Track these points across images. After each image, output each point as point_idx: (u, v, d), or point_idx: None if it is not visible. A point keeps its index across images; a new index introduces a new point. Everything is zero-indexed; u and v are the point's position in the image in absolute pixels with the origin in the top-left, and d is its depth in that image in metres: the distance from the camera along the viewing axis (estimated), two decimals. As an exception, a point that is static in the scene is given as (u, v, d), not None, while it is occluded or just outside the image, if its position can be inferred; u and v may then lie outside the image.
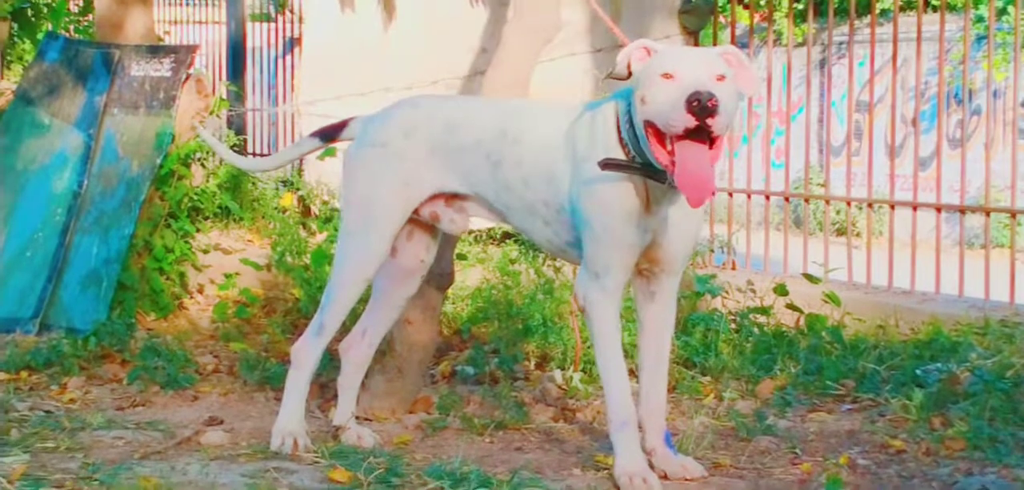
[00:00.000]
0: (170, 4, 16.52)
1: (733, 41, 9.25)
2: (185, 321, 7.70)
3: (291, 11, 14.67)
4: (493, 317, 6.99)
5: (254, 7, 15.22)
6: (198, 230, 8.39)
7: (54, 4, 11.91)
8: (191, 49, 8.34)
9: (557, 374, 6.33)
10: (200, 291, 8.19)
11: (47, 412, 5.66)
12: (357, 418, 5.57)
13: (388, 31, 8.60)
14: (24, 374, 6.36)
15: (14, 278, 7.60)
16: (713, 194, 4.45)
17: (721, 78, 4.34)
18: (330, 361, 6.27)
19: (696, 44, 8.48)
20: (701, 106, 4.22)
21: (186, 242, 8.00)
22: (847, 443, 5.26)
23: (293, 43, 14.51)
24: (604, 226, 4.61)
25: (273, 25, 15.33)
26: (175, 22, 16.36)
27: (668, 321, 4.95)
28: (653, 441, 4.83)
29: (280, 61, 15.47)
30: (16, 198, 7.93)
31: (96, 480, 4.49)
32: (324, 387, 6.07)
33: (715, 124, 4.24)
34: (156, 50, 8.23)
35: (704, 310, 6.96)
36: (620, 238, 4.62)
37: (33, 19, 11.39)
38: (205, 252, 8.35)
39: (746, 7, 11.52)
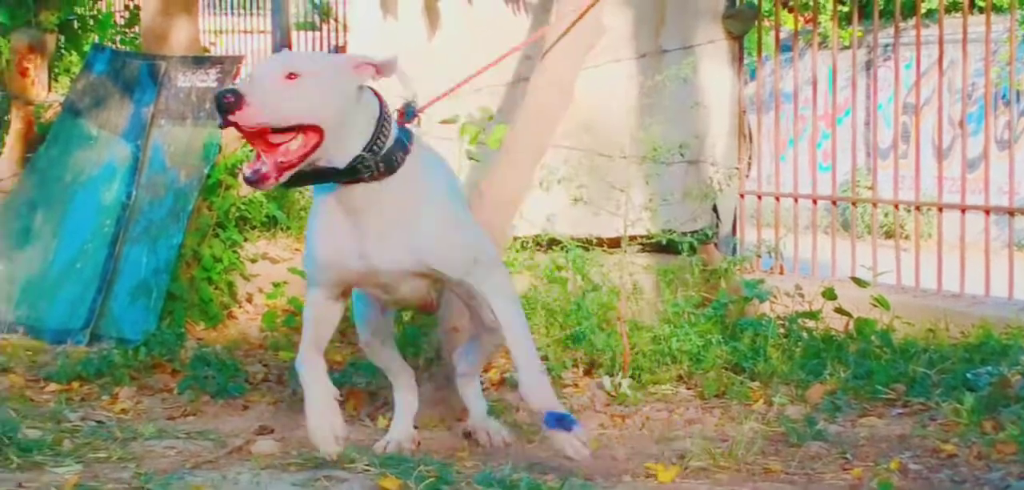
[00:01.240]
0: (214, 14, 16.57)
1: (777, 44, 9.22)
2: (234, 330, 7.74)
3: (335, 19, 14.68)
4: (540, 324, 6.98)
5: (298, 16, 15.24)
6: (246, 239, 8.43)
7: (100, 16, 11.99)
8: (237, 60, 8.37)
9: (606, 381, 6.32)
10: (248, 300, 8.22)
11: (99, 422, 5.69)
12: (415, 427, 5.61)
13: (431, 39, 8.59)
14: (75, 385, 6.40)
15: (64, 289, 7.65)
16: (264, 183, 4.48)
17: (292, 76, 4.38)
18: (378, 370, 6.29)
19: (741, 48, 8.45)
20: (218, 103, 4.34)
21: (234, 252, 8.04)
22: (898, 448, 5.24)
23: (336, 51, 14.53)
24: None
25: (317, 34, 15.35)
26: (219, 32, 16.41)
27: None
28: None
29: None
30: (65, 210, 7.98)
31: (148, 489, 4.50)
32: (373, 395, 6.09)
33: (239, 118, 4.30)
34: (202, 61, 8.27)
35: (752, 315, 6.94)
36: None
37: (80, 32, 11.44)
38: (253, 261, 8.38)
39: (791, 10, 11.48)
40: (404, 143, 4.74)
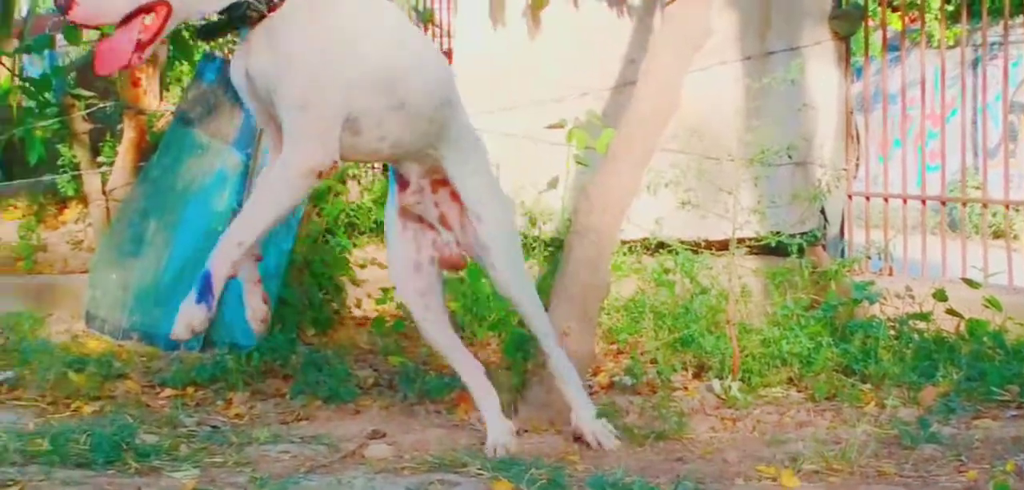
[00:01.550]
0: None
1: (884, 45, 9.16)
2: (343, 336, 7.80)
3: (437, 25, 14.74)
4: (649, 327, 6.99)
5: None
6: (354, 245, 8.49)
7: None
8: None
9: (715, 384, 6.32)
10: (357, 305, 8.28)
11: (214, 427, 5.76)
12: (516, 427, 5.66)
13: (536, 43, 8.62)
14: (190, 390, 6.49)
15: (177, 296, 7.69)
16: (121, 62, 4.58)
17: None
18: (489, 372, 6.33)
19: (847, 49, 8.40)
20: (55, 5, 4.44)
21: (343, 257, 8.10)
22: (1013, 450, 5.18)
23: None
24: None
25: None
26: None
27: None
28: None
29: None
30: (177, 218, 8.07)
31: (265, 494, 4.56)
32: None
33: (73, 17, 4.42)
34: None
35: (862, 317, 6.90)
36: None
37: (190, 41, 11.55)
38: (362, 267, 8.45)
39: (895, 10, 11.38)
40: None
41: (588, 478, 4.67)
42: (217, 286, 4.94)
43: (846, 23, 8.28)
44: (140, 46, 4.56)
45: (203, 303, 4.91)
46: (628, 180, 5.79)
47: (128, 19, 4.54)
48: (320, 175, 4.79)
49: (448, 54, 12.83)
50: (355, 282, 8.22)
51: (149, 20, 4.54)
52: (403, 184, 5.40)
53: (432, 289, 5.55)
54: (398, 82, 4.92)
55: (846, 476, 4.86)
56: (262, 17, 4.69)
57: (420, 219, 5.48)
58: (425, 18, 14.81)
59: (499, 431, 5.36)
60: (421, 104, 5.02)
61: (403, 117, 4.98)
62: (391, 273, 5.59)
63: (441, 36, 14.50)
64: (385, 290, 8.22)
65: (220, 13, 4.69)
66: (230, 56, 11.30)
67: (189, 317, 4.89)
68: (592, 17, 8.32)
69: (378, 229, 8.97)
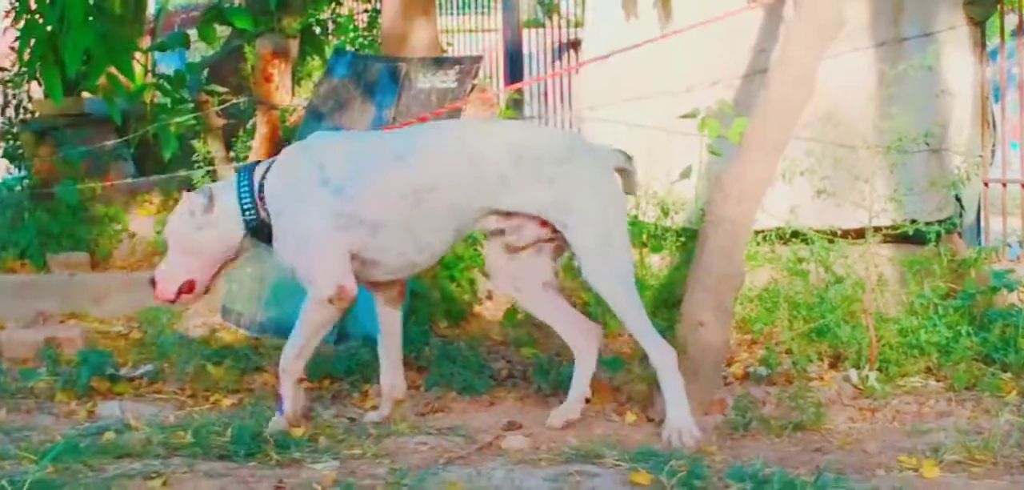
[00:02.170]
0: (444, 14, 16.74)
1: (1020, 30, 8.99)
2: (476, 327, 7.82)
3: (560, 16, 14.74)
4: (784, 317, 6.94)
5: (528, 13, 15.32)
6: (485, 237, 8.50)
7: (341, 21, 12.21)
8: (476, 60, 8.44)
9: (852, 373, 6.26)
10: (488, 297, 8.29)
11: (351, 419, 5.81)
12: (649, 420, 5.65)
13: (666, 33, 8.58)
14: (326, 382, 6.54)
15: (312, 290, 7.80)
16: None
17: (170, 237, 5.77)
18: (623, 364, 6.32)
19: (982, 34, 8.26)
20: None
21: (475, 249, 8.11)
22: None
23: (563, 49, 14.58)
24: None
25: (544, 31, 15.41)
26: (445, 31, 16.58)
27: None
28: None
29: (550, 66, 15.54)
30: (310, 211, 8.13)
31: (405, 485, 4.58)
32: (617, 390, 6.11)
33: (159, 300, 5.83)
34: (441, 61, 8.35)
35: (1001, 305, 6.79)
36: None
37: (321, 36, 11.67)
38: (494, 259, 8.45)
39: (1029, -8, 11.17)
40: None
41: (727, 469, 4.65)
42: (288, 402, 5.67)
43: (981, 8, 8.14)
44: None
45: (279, 413, 5.66)
46: (763, 169, 5.75)
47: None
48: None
49: (575, 45, 12.84)
50: (486, 274, 8.22)
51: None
52: None
53: (524, 273, 5.81)
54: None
55: (989, 466, 4.80)
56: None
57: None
58: (549, 10, 14.81)
59: (681, 417, 5.42)
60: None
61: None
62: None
63: (563, 27, 14.50)
64: (517, 282, 8.23)
65: None
66: (359, 50, 11.40)
67: (274, 427, 5.48)
68: (722, 6, 8.26)
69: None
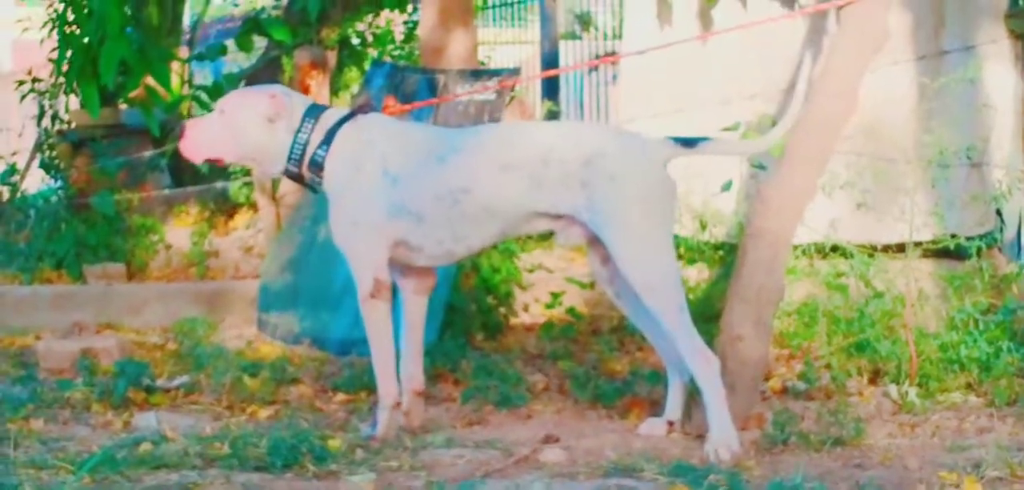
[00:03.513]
0: (482, 26, 16.76)
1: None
2: (512, 341, 7.79)
3: (596, 28, 14.78)
4: (822, 332, 6.89)
5: (565, 26, 15.35)
6: (522, 250, 8.49)
7: (379, 32, 12.21)
8: (515, 72, 8.43)
9: (892, 389, 6.22)
10: (525, 310, 8.27)
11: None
12: (686, 434, 5.61)
13: (705, 45, 8.55)
14: (363, 394, 6.52)
15: (347, 301, 7.77)
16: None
17: (222, 112, 5.79)
18: (662, 378, 6.29)
19: (1023, 47, 8.20)
20: None
21: (512, 262, 8.10)
22: None
23: (598, 57, 14.59)
24: None
25: (580, 44, 15.44)
26: (483, 43, 16.60)
27: None
28: None
29: (587, 79, 15.58)
30: (347, 223, 8.12)
31: (441, 498, 4.57)
32: (655, 404, 6.08)
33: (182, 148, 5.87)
34: (479, 73, 8.34)
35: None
36: None
37: (359, 47, 11.68)
38: (530, 272, 8.44)
39: (1069, 7, 11.10)
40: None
41: (767, 484, 4.62)
42: (380, 427, 5.71)
43: (1023, 21, 8.09)
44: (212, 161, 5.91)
45: (373, 429, 5.76)
46: (804, 182, 5.71)
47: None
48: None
49: (611, 55, 12.83)
50: (523, 287, 8.22)
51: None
52: None
53: (618, 278, 5.66)
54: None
55: (1032, 483, 4.76)
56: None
57: None
58: (584, 23, 14.82)
59: (723, 431, 5.35)
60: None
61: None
62: None
63: (599, 39, 14.53)
64: (554, 295, 8.21)
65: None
66: (397, 61, 11.41)
67: (362, 434, 5.69)
68: (761, 15, 8.22)
69: (545, 235, 8.96)
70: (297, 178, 5.81)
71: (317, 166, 5.69)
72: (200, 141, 5.78)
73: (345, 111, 5.88)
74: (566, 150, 5.47)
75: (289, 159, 5.71)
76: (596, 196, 5.42)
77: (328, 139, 5.67)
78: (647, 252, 5.42)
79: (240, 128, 5.72)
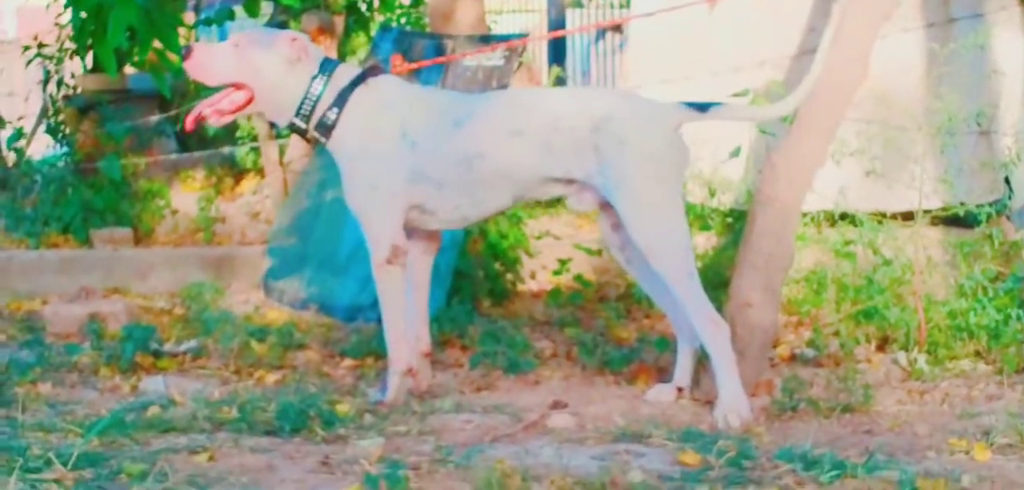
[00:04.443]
0: (488, -6, 16.75)
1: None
2: (520, 307, 7.79)
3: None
4: (831, 299, 6.88)
5: (570, -4, 15.35)
6: (530, 216, 8.48)
7: (387, -3, 12.20)
8: (523, 37, 8.41)
9: (901, 356, 6.21)
10: (532, 277, 8.27)
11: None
12: (695, 400, 5.61)
13: (713, 12, 8.52)
14: (370, 360, 6.52)
15: (354, 267, 7.78)
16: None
17: (236, 45, 5.66)
18: (670, 344, 6.28)
19: (1033, 14, 8.18)
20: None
21: (519, 229, 8.08)
22: None
23: (604, 29, 14.58)
24: None
25: (586, 12, 15.42)
26: (489, 12, 16.57)
27: None
28: None
29: (594, 48, 15.56)
30: (354, 188, 8.11)
31: (451, 462, 4.55)
32: (662, 371, 6.07)
33: (187, 65, 5.69)
34: (487, 39, 8.32)
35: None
36: None
37: (367, 13, 11.64)
38: (537, 238, 8.43)
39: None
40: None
41: (777, 450, 4.61)
42: (391, 391, 5.70)
43: (1031, -11, 8.07)
44: (220, 113, 5.70)
45: (382, 393, 5.73)
46: (814, 149, 5.68)
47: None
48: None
49: (616, 28, 12.80)
50: (530, 254, 8.21)
51: (239, 96, 5.67)
52: None
53: (629, 245, 5.65)
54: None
55: (1042, 450, 4.75)
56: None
57: None
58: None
59: (733, 396, 5.35)
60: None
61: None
62: None
63: (604, 7, 14.50)
64: (562, 261, 8.20)
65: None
66: (405, 27, 11.38)
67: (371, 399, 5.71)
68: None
69: (553, 201, 8.95)
70: (301, 132, 5.74)
71: (326, 127, 5.65)
72: (209, 66, 5.65)
73: (357, 70, 5.81)
74: (576, 115, 5.46)
75: (298, 113, 5.65)
76: (606, 160, 5.40)
77: (340, 101, 5.63)
78: (657, 217, 5.40)
79: (256, 66, 5.62)
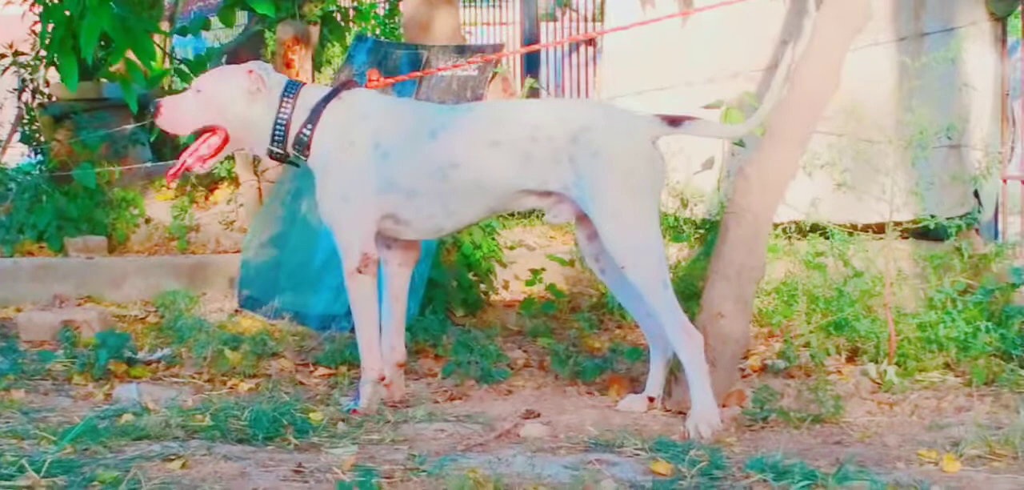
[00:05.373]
0: (464, 6, 16.77)
1: (1042, 25, 8.96)
2: (493, 317, 7.81)
3: (574, 10, 14.79)
4: (801, 310, 6.92)
5: (544, 8, 15.37)
6: (503, 227, 8.49)
7: (362, 7, 12.19)
8: (497, 48, 8.44)
9: (871, 368, 6.24)
10: (505, 287, 8.29)
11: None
12: (667, 410, 5.64)
13: (686, 24, 8.57)
14: (343, 368, 6.54)
15: (328, 276, 7.79)
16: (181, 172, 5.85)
17: (198, 90, 5.79)
18: (641, 355, 6.32)
19: (1004, 30, 8.24)
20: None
21: (492, 239, 8.11)
22: None
23: (578, 42, 14.63)
24: None
25: (559, 25, 15.46)
26: (463, 24, 16.60)
27: None
28: None
29: (566, 60, 15.60)
30: (328, 198, 8.11)
31: (424, 471, 4.58)
32: (634, 381, 6.10)
33: (160, 123, 5.82)
34: (463, 50, 8.34)
35: (1020, 302, 6.76)
36: None
37: (342, 23, 11.64)
38: (511, 249, 8.46)
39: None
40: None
41: (748, 460, 4.65)
42: (363, 399, 5.74)
43: (1003, 4, 8.12)
44: (202, 159, 5.80)
45: (355, 403, 5.76)
46: (786, 161, 5.73)
47: (199, 134, 5.79)
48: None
49: (589, 42, 12.82)
50: (504, 264, 8.23)
51: (215, 140, 5.77)
52: None
53: (604, 255, 5.69)
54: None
55: (1010, 461, 4.79)
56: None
57: None
58: (562, 4, 14.82)
59: (705, 408, 5.37)
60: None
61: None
62: None
63: (578, 20, 14.53)
64: (535, 271, 8.22)
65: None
66: (380, 37, 11.38)
67: (343, 408, 5.75)
68: (743, -6, 8.25)
69: (527, 212, 8.98)
70: (282, 157, 5.82)
71: (302, 145, 5.70)
72: (178, 117, 5.78)
73: (325, 88, 5.89)
74: (554, 126, 5.49)
75: (273, 140, 5.74)
76: (582, 171, 5.43)
77: (313, 117, 5.69)
78: (631, 227, 5.43)
79: (220, 104, 5.72)
